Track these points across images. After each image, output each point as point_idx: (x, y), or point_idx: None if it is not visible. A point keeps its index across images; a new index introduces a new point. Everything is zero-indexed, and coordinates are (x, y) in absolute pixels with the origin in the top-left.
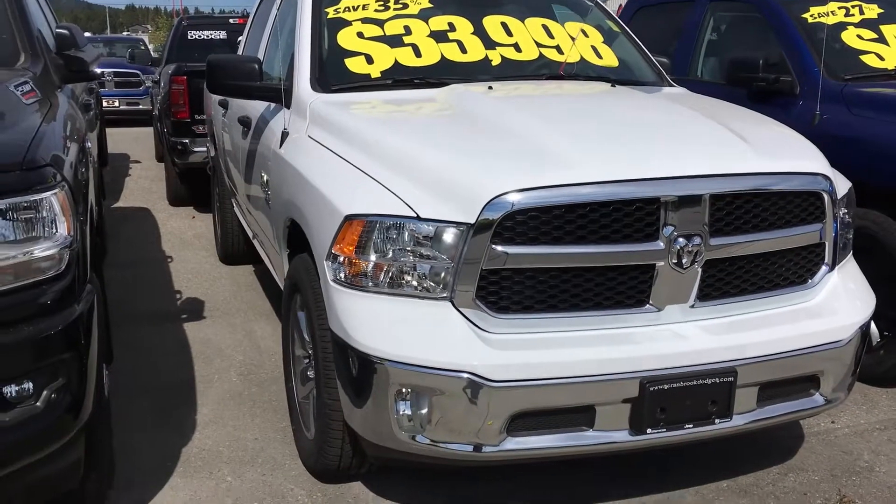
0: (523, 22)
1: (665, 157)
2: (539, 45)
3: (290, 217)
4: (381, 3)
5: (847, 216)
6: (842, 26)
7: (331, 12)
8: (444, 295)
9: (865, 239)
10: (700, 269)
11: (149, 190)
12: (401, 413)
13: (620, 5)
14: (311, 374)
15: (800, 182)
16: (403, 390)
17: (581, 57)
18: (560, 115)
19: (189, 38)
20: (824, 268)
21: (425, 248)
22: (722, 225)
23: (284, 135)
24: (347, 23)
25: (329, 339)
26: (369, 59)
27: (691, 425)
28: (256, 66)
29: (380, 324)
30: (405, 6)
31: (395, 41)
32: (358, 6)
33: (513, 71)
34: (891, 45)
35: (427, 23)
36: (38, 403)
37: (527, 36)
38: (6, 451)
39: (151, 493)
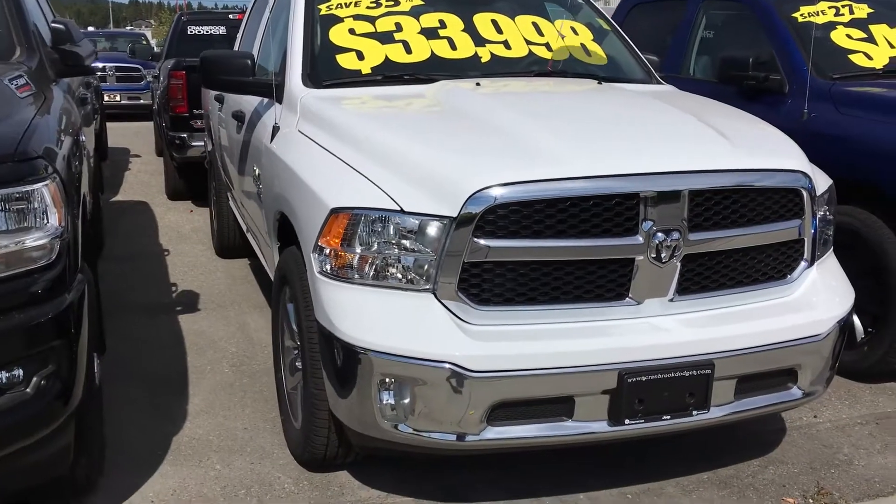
0: (514, 19)
1: (645, 154)
2: (529, 42)
3: (280, 210)
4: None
5: (828, 213)
6: (831, 25)
7: (323, 9)
8: (427, 287)
9: (850, 236)
10: (679, 264)
11: (148, 184)
12: (384, 402)
13: None
14: (299, 364)
15: (779, 179)
16: (387, 380)
17: (570, 54)
18: (544, 112)
19: (189, 33)
20: (803, 263)
21: (409, 241)
22: (701, 220)
23: (275, 129)
24: (339, 19)
25: (315, 329)
26: (360, 56)
27: (669, 417)
28: (249, 62)
29: (364, 315)
30: (397, 3)
31: (386, 38)
32: (350, 3)
33: (502, 68)
34: (879, 44)
35: (418, 20)
36: (27, 390)
37: (517, 33)
38: None
39: (141, 479)
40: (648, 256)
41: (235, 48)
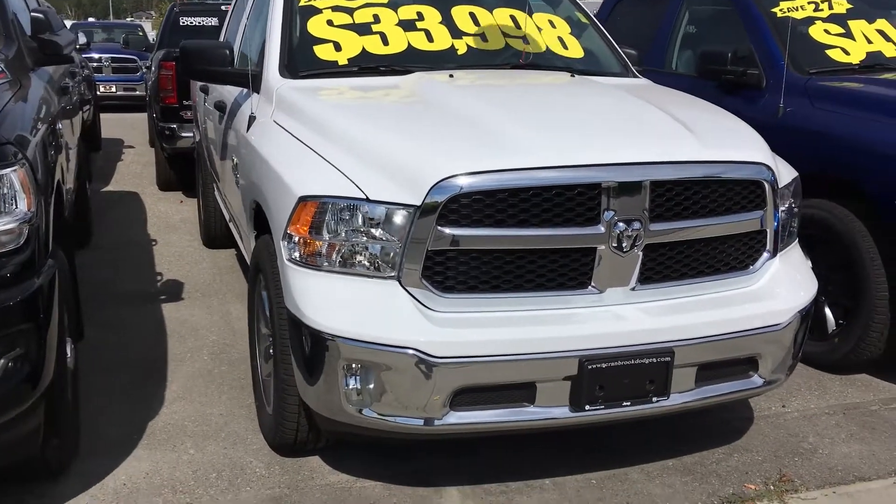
0: (492, 12)
1: (608, 145)
2: (506, 34)
3: (255, 199)
4: None
5: (793, 205)
6: (810, 21)
7: (302, 0)
8: (392, 274)
9: (823, 229)
10: (641, 254)
11: (139, 174)
12: (350, 387)
13: None
14: (273, 351)
15: (740, 171)
16: (353, 366)
17: (546, 47)
18: (513, 103)
19: (181, 24)
20: (766, 254)
21: (375, 229)
22: (662, 211)
23: (251, 119)
24: (318, 10)
25: (285, 316)
26: (337, 47)
27: (629, 403)
28: (228, 52)
29: (331, 301)
30: None
31: (363, 29)
32: None
33: (477, 60)
34: (857, 39)
35: (396, 11)
36: None
37: (494, 26)
38: None
39: (114, 463)
40: (610, 246)
41: (220, 39)
